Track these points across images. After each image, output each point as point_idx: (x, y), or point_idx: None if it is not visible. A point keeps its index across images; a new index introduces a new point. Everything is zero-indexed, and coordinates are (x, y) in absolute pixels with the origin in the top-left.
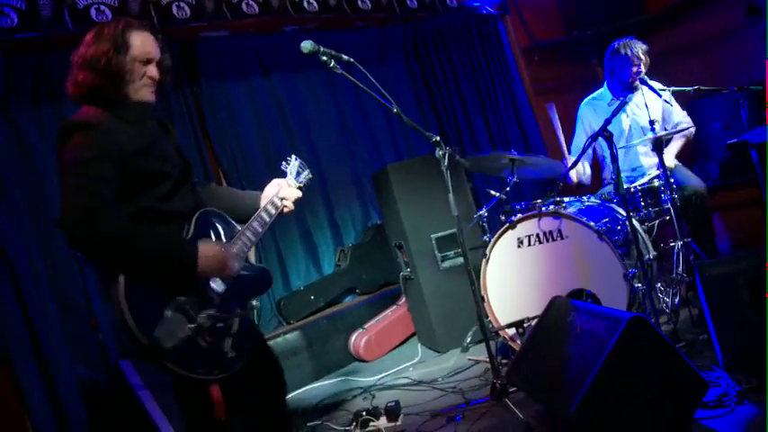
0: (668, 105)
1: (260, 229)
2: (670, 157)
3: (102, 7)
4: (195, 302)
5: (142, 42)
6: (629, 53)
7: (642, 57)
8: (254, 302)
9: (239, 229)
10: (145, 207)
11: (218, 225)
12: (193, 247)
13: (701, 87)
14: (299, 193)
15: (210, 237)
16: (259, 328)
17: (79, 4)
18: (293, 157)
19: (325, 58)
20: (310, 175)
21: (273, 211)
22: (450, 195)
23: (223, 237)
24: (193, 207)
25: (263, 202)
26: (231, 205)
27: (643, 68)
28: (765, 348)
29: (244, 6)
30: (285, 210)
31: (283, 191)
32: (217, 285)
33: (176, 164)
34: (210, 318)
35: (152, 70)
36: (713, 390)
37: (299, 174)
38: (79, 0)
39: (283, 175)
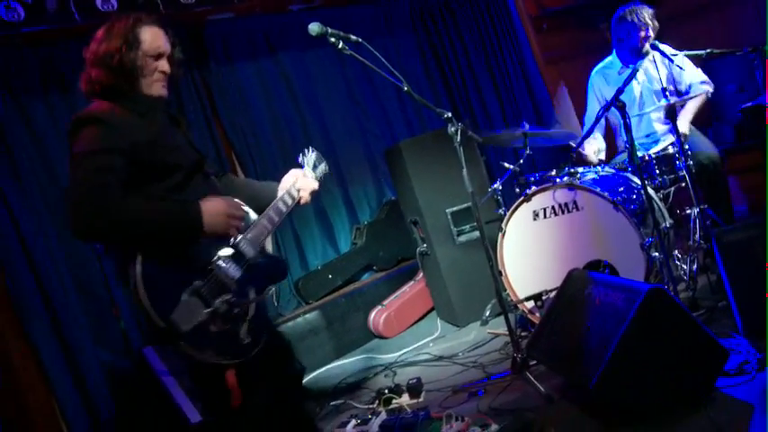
0: (679, 69)
1: (276, 219)
2: (684, 123)
3: None
4: (212, 287)
5: (152, 37)
6: (636, 19)
7: (649, 21)
8: (271, 289)
9: (255, 217)
10: (156, 197)
11: None
12: (196, 206)
13: (713, 51)
14: (316, 185)
15: None
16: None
17: None
18: (310, 149)
19: (333, 39)
20: (327, 168)
21: (290, 202)
22: (465, 171)
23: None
24: (207, 197)
25: (280, 193)
26: (249, 196)
27: (651, 33)
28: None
29: None
30: (302, 201)
31: (300, 181)
32: (233, 271)
33: (188, 155)
34: (227, 303)
35: (163, 65)
36: (734, 357)
37: (315, 166)
38: None
39: (300, 167)
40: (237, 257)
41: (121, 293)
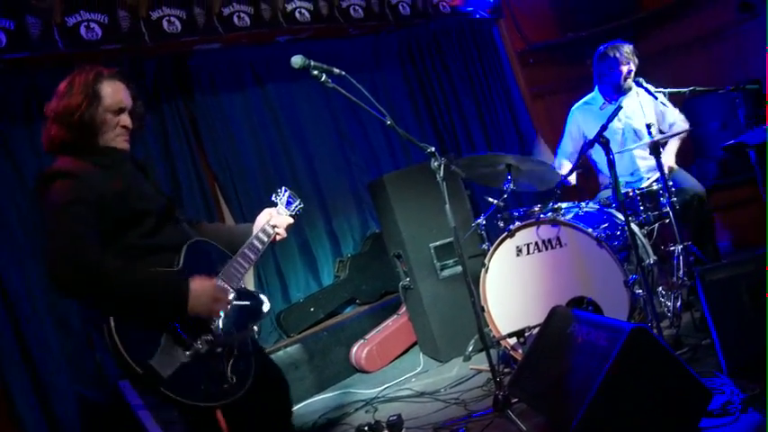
0: (663, 107)
1: (252, 256)
2: (670, 158)
3: (92, 24)
4: (191, 328)
5: (113, 92)
6: (617, 54)
7: (630, 57)
8: (255, 327)
9: (230, 257)
10: (129, 245)
11: (210, 254)
12: (185, 283)
13: (697, 88)
14: (291, 220)
15: (201, 265)
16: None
17: (68, 23)
18: (283, 188)
19: (316, 72)
20: (302, 205)
21: (266, 239)
22: (447, 206)
23: (215, 265)
24: (180, 240)
25: (254, 231)
26: (226, 241)
27: (633, 68)
28: (766, 354)
29: (235, 19)
30: (278, 237)
31: (274, 219)
32: None
33: (156, 201)
34: (208, 343)
35: (125, 119)
36: (717, 397)
37: (289, 203)
38: (68, 18)
39: (274, 205)
40: None
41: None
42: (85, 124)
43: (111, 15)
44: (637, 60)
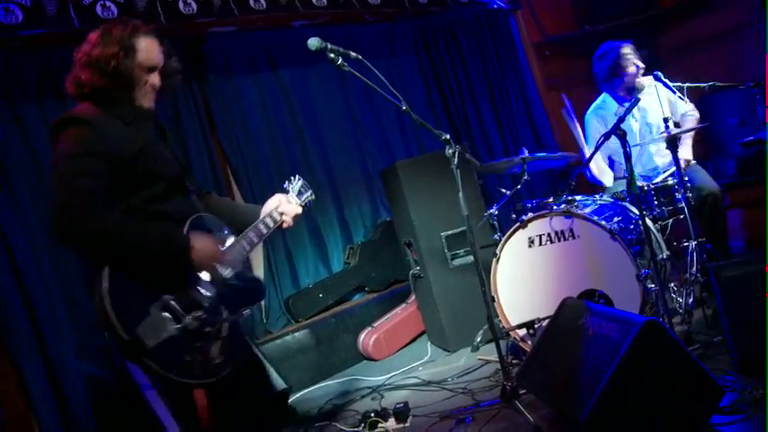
0: (678, 99)
1: (255, 240)
2: (687, 151)
3: (108, 3)
4: (183, 303)
5: (148, 49)
6: (623, 53)
7: (634, 56)
8: (246, 311)
9: (234, 237)
10: (137, 206)
11: (212, 231)
12: (185, 237)
13: (716, 83)
14: (300, 210)
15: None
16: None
17: (85, 1)
18: (297, 177)
19: (332, 55)
20: (313, 197)
21: (272, 225)
22: (461, 194)
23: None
24: (186, 212)
25: (261, 216)
26: (231, 218)
27: (641, 65)
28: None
29: (251, 2)
30: (284, 225)
31: (283, 206)
32: (206, 289)
33: (172, 167)
34: (198, 320)
35: (154, 78)
36: (728, 395)
37: (301, 193)
38: None
39: (285, 192)
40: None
41: None
42: (120, 75)
43: None
44: (637, 55)
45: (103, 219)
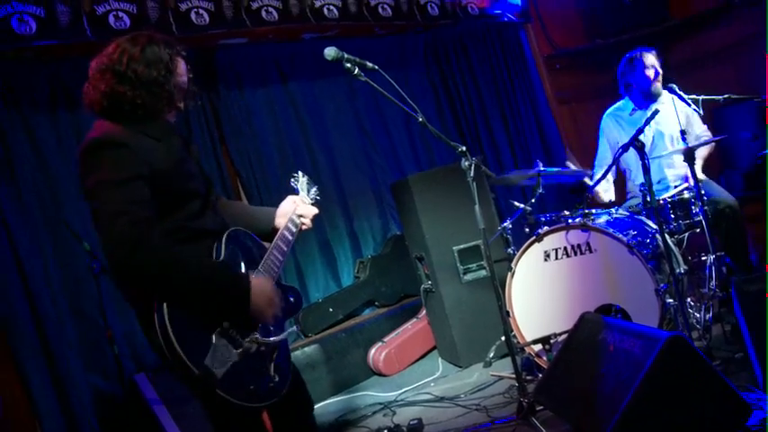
0: (696, 114)
1: (285, 248)
2: (698, 168)
3: (121, 14)
4: (238, 327)
5: (182, 71)
6: (641, 61)
7: (653, 60)
8: (293, 327)
9: (266, 246)
10: (177, 226)
11: (248, 244)
12: (246, 281)
13: (731, 96)
14: (316, 210)
15: (241, 256)
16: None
17: (98, 11)
18: (300, 173)
19: (349, 65)
20: (318, 192)
21: (294, 230)
22: (477, 207)
23: (254, 256)
24: (221, 225)
25: (280, 220)
26: (246, 222)
27: (659, 71)
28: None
29: (263, 13)
30: (304, 227)
31: (300, 208)
32: None
33: (203, 182)
34: (254, 342)
35: (182, 103)
36: (755, 413)
37: (308, 190)
38: (98, 7)
39: (295, 191)
40: None
41: (115, 316)
42: (164, 94)
43: (140, 5)
44: (659, 64)
45: (161, 251)
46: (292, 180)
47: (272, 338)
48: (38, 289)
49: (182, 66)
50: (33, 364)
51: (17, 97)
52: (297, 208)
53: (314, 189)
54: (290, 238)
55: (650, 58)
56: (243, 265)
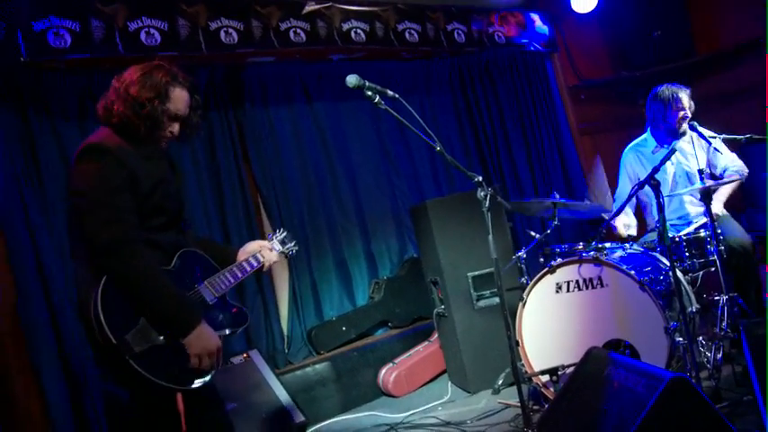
0: (717, 153)
1: (240, 275)
2: (719, 205)
3: (152, 31)
4: None
5: (178, 99)
6: (673, 98)
7: (686, 102)
8: (224, 331)
9: (219, 269)
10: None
11: (198, 263)
12: (198, 317)
13: (753, 136)
14: (277, 259)
15: (191, 272)
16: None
17: (130, 27)
18: (281, 229)
19: (369, 93)
20: (297, 248)
21: (255, 264)
22: (491, 237)
23: (201, 273)
24: (178, 245)
25: (241, 256)
26: (211, 252)
27: (689, 113)
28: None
29: (291, 34)
30: (264, 267)
31: (264, 252)
32: None
33: (176, 203)
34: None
35: (175, 127)
36: None
37: (284, 243)
38: (130, 23)
39: (268, 238)
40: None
41: None
42: (148, 117)
43: (171, 23)
44: (693, 105)
45: (145, 259)
46: (270, 234)
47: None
48: (58, 298)
49: (179, 94)
50: (52, 373)
51: (47, 106)
52: (262, 250)
53: (292, 244)
54: (248, 269)
55: (685, 99)
56: (187, 276)
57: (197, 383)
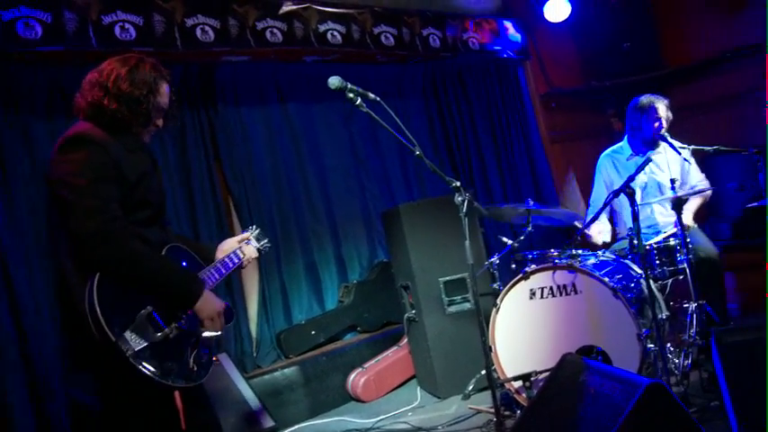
0: (687, 164)
1: (224, 271)
2: (688, 216)
3: (127, 25)
4: (164, 314)
5: (164, 93)
6: (653, 108)
7: (664, 113)
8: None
9: (203, 266)
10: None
11: (187, 258)
12: (202, 284)
13: (721, 147)
14: (256, 254)
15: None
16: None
17: (104, 21)
18: (254, 226)
19: (351, 95)
20: (269, 245)
21: (237, 261)
22: (467, 242)
23: (191, 268)
24: (162, 241)
25: (219, 255)
26: (193, 251)
27: (665, 124)
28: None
29: (268, 34)
30: (245, 264)
31: (244, 248)
32: None
33: (158, 197)
34: (178, 330)
35: (160, 121)
36: None
37: (258, 240)
38: (105, 17)
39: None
40: None
41: None
42: (143, 113)
43: (147, 18)
44: (671, 115)
45: (132, 245)
46: (245, 230)
47: (191, 331)
48: (24, 300)
49: (164, 88)
50: (15, 378)
51: (15, 98)
52: (242, 247)
53: (265, 241)
54: (231, 265)
55: (662, 109)
56: None
57: (192, 381)
